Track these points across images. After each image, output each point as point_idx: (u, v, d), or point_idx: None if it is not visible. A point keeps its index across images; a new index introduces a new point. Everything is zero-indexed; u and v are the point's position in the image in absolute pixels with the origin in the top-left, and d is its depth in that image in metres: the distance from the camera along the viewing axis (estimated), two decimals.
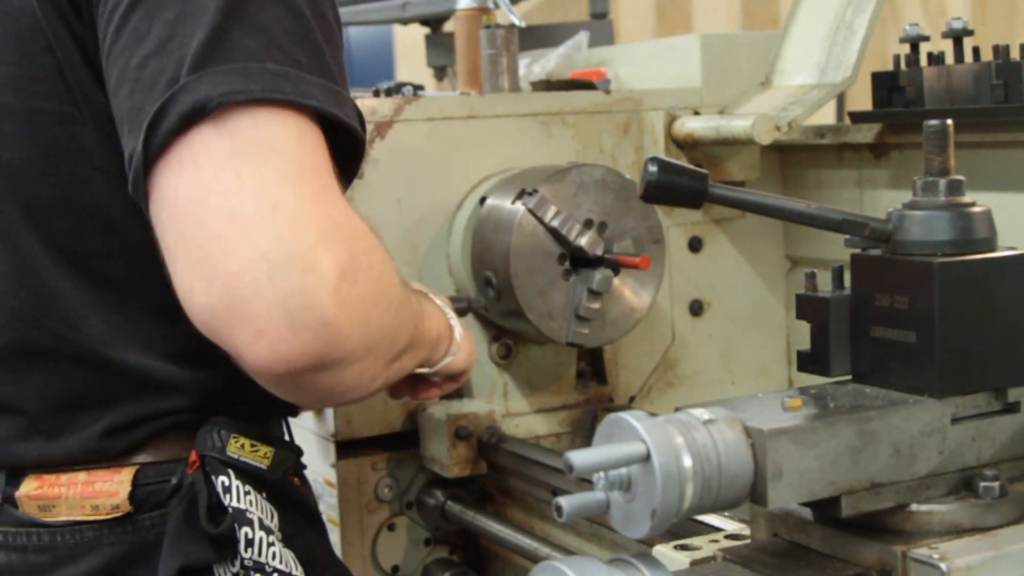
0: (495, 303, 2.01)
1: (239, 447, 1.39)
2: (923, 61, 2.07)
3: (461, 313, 1.80)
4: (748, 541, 1.21)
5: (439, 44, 3.37)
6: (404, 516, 2.13)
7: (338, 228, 1.16)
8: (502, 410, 2.12)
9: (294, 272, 1.11)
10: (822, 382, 1.20)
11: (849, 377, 1.20)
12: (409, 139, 2.07)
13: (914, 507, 1.11)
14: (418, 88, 2.20)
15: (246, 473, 1.39)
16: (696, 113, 2.27)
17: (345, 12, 3.27)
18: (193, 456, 1.39)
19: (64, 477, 1.40)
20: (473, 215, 2.07)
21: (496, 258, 1.96)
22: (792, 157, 2.39)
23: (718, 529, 1.35)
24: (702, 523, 1.45)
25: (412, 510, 2.13)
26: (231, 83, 1.15)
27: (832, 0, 2.19)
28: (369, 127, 1.97)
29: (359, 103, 1.36)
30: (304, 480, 1.58)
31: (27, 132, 1.34)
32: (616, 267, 1.98)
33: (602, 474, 1.01)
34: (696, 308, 2.36)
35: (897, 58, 2.09)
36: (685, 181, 1.17)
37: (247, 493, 1.38)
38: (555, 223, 1.94)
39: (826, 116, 2.99)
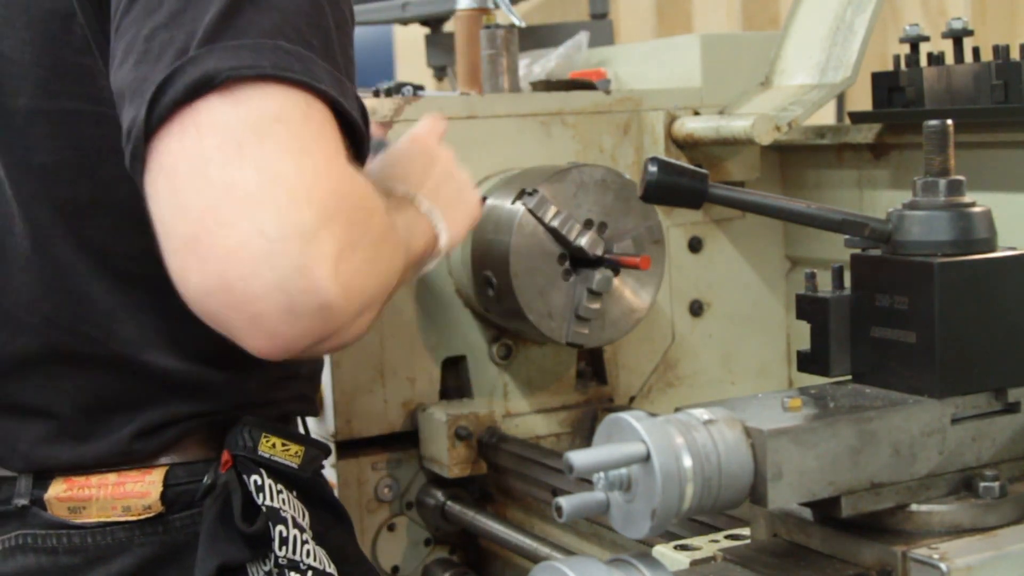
0: (495, 303, 2.01)
1: (270, 446, 1.40)
2: (923, 61, 2.07)
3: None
4: (748, 541, 1.21)
5: (439, 44, 3.37)
6: (404, 516, 2.13)
7: (340, 200, 1.12)
8: (502, 410, 2.12)
9: (292, 249, 1.08)
10: (822, 382, 1.20)
11: (849, 377, 1.20)
12: None
13: (914, 507, 1.11)
14: (418, 88, 2.20)
15: (277, 472, 1.39)
16: (696, 113, 2.27)
17: None
18: (225, 456, 1.39)
19: (94, 479, 1.39)
20: None
21: (496, 258, 1.96)
22: (792, 157, 2.39)
23: (718, 529, 1.35)
24: (702, 523, 1.45)
25: (412, 510, 2.13)
26: (241, 58, 1.13)
27: (832, 0, 2.19)
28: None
29: None
30: (324, 478, 1.58)
31: (61, 134, 1.33)
32: (616, 267, 1.98)
33: (602, 474, 1.01)
34: (696, 308, 2.36)
35: (897, 58, 2.09)
36: (685, 181, 1.17)
37: (279, 492, 1.38)
38: (555, 223, 1.94)
39: (826, 116, 2.99)
